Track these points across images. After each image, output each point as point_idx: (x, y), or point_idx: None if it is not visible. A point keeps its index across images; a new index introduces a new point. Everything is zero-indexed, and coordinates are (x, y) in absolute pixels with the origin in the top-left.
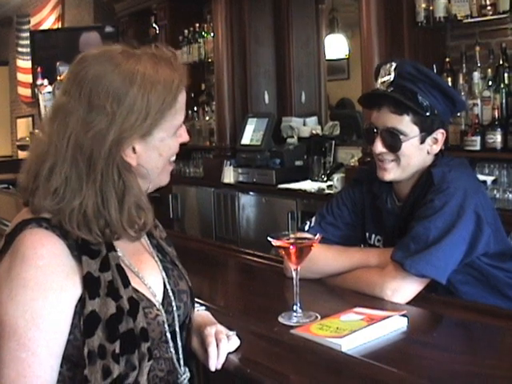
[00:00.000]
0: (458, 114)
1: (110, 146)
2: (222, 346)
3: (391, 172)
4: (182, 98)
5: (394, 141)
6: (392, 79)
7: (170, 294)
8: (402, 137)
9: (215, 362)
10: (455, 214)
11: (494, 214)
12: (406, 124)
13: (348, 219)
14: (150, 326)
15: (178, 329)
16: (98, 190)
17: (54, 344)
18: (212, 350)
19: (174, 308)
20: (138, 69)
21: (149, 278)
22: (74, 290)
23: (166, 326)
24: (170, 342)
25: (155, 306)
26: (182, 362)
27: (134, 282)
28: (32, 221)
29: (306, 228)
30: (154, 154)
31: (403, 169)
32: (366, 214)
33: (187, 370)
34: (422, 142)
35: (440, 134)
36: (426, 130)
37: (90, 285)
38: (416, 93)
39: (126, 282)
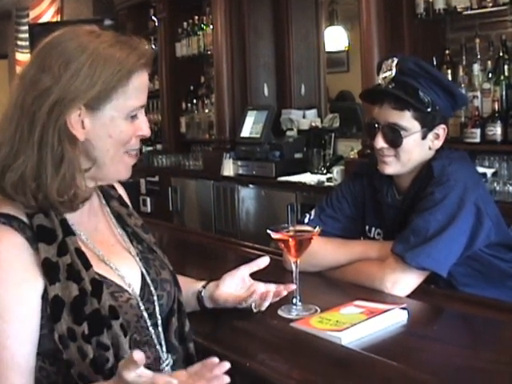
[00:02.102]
0: None
1: (50, 107)
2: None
3: (392, 166)
4: (140, 79)
5: (395, 136)
6: (393, 75)
7: (150, 283)
8: (403, 132)
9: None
10: (455, 207)
11: (494, 207)
12: (407, 120)
13: (348, 212)
14: (121, 309)
15: (159, 317)
16: (37, 152)
17: (24, 334)
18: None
19: (155, 297)
20: (94, 41)
21: (120, 266)
22: (37, 281)
23: (142, 309)
24: (152, 329)
25: (126, 291)
26: (164, 349)
27: (100, 268)
28: None
29: (306, 220)
30: (103, 133)
31: (404, 163)
32: (366, 207)
33: (170, 356)
34: (424, 137)
35: (441, 130)
36: (427, 126)
37: (49, 270)
38: (417, 89)
39: (87, 265)
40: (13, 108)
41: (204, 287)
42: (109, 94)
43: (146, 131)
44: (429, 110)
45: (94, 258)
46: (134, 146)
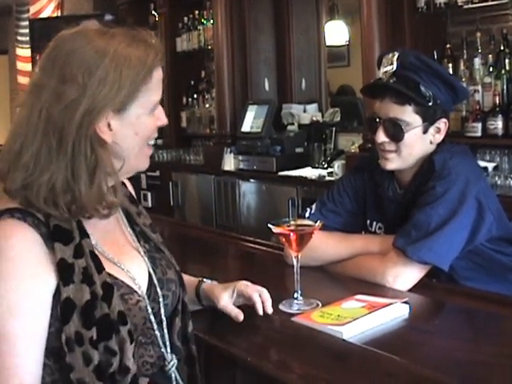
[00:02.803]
0: None
1: (81, 118)
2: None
3: (393, 161)
4: (158, 74)
5: (396, 131)
6: (394, 69)
7: (156, 283)
8: (404, 127)
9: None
10: (457, 201)
11: (495, 201)
12: (408, 114)
13: (349, 206)
14: (130, 312)
15: (164, 317)
16: (69, 164)
17: (34, 333)
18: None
19: (160, 298)
20: (111, 43)
21: (130, 267)
22: (49, 279)
23: (149, 312)
24: (157, 329)
25: (136, 292)
26: (168, 349)
27: (111, 269)
28: (5, 211)
29: (307, 215)
30: (130, 132)
31: (405, 158)
32: (367, 201)
33: (174, 357)
34: (425, 131)
35: (443, 124)
36: (428, 120)
37: (64, 271)
38: (418, 83)
39: (100, 268)
40: (35, 122)
41: (198, 288)
42: (135, 94)
43: (164, 120)
44: (430, 104)
45: (105, 260)
46: (153, 137)
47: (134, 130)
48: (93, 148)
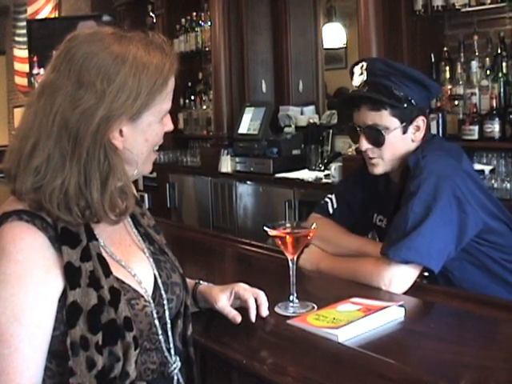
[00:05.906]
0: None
1: (97, 124)
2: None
3: (380, 166)
4: (172, 83)
5: (376, 137)
6: (365, 78)
7: (161, 286)
8: (383, 131)
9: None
10: (431, 197)
11: (479, 194)
12: (385, 119)
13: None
14: (137, 318)
15: (168, 320)
16: (82, 169)
17: (38, 339)
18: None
19: (165, 301)
20: (129, 49)
21: (137, 269)
22: (56, 283)
23: (155, 317)
24: (161, 333)
25: (143, 296)
26: (172, 352)
27: (118, 273)
28: (12, 214)
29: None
30: (140, 139)
31: (390, 161)
32: (370, 193)
33: (178, 359)
34: (405, 132)
35: (421, 121)
36: (406, 120)
37: (70, 275)
38: (390, 87)
39: (107, 272)
40: (49, 126)
41: (195, 290)
42: (150, 102)
43: (171, 126)
44: (405, 105)
45: (113, 263)
46: (160, 143)
47: (144, 136)
48: (106, 154)
